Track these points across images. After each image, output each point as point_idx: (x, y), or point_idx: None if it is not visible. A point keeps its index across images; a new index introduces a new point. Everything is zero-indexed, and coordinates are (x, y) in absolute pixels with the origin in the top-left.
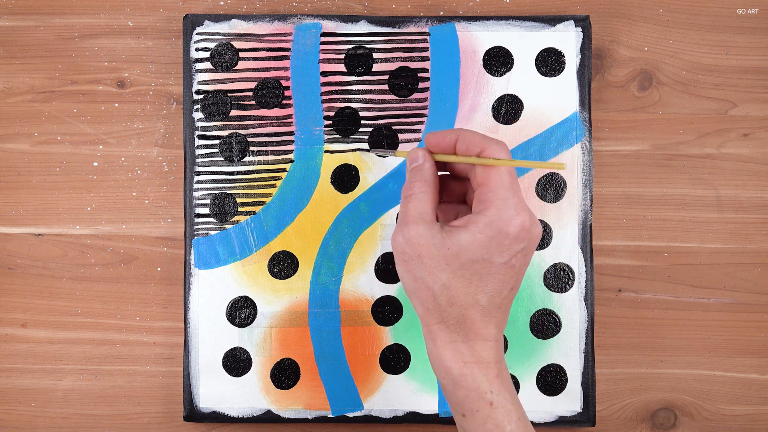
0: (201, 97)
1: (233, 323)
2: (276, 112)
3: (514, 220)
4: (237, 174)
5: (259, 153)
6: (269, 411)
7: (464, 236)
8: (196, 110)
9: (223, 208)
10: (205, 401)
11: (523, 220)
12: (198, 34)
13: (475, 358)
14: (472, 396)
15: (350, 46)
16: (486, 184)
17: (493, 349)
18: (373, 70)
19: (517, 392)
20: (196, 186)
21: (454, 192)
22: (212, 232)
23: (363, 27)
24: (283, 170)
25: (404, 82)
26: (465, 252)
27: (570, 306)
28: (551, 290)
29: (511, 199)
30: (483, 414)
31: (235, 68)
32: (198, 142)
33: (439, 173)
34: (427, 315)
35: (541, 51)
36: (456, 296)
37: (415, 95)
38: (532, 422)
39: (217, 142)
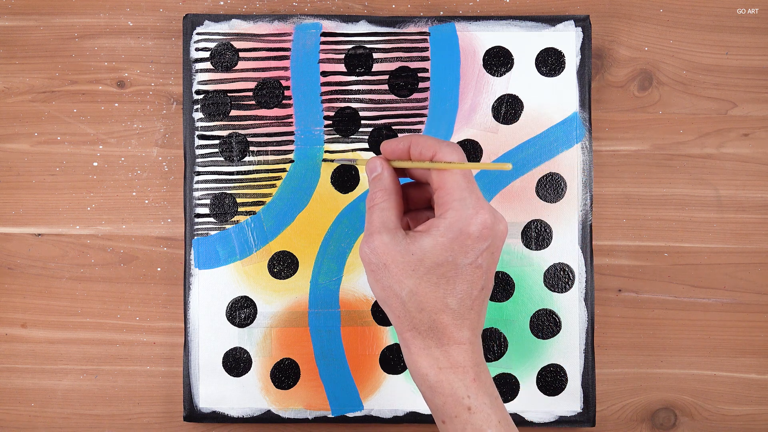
0: (201, 97)
1: (233, 323)
2: (276, 112)
3: (473, 219)
4: (237, 174)
5: (259, 153)
6: (269, 411)
7: (427, 241)
8: (196, 110)
9: (223, 208)
10: (205, 401)
11: (484, 218)
12: (198, 34)
13: (451, 363)
14: (449, 402)
15: (350, 46)
16: (442, 187)
17: (468, 353)
18: (373, 70)
19: (517, 393)
20: (196, 186)
21: (420, 199)
22: (212, 232)
23: (363, 27)
24: (283, 170)
25: (404, 82)
26: (429, 256)
27: (570, 306)
28: (551, 290)
29: (468, 199)
30: (462, 419)
31: (235, 68)
32: (198, 142)
33: (404, 181)
34: (398, 323)
35: (541, 51)
36: (425, 302)
37: (415, 95)
38: (532, 423)
39: (217, 142)
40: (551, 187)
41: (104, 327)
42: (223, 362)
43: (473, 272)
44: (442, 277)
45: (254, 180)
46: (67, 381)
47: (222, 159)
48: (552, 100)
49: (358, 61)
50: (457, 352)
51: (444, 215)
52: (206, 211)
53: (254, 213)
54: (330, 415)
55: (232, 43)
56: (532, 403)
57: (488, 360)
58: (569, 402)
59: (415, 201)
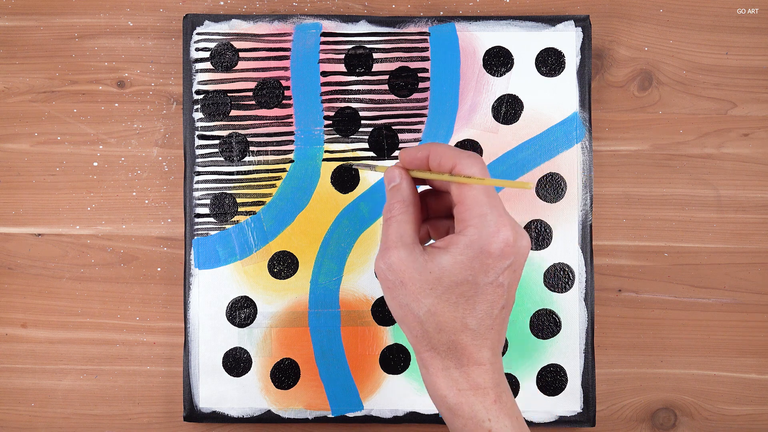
0: (201, 97)
1: (233, 323)
2: (276, 112)
3: (495, 238)
4: (237, 174)
5: (259, 153)
6: (269, 411)
7: (446, 259)
8: (196, 110)
9: (223, 208)
10: (205, 401)
11: (506, 236)
12: (198, 34)
13: (470, 384)
14: (469, 425)
15: (350, 46)
16: (462, 202)
17: (489, 374)
18: (373, 70)
19: (517, 393)
20: (196, 186)
21: (440, 207)
22: (212, 232)
23: (363, 27)
24: (283, 170)
25: (404, 82)
26: (448, 275)
27: (570, 306)
28: (551, 290)
29: (489, 216)
30: None
31: (235, 68)
32: (198, 142)
33: (423, 188)
34: (416, 343)
35: (541, 51)
36: (443, 322)
37: (415, 95)
38: (531, 422)
39: (217, 142)
40: (551, 187)
41: (104, 327)
42: (223, 362)
43: (494, 291)
44: (461, 297)
45: (254, 180)
46: (67, 381)
47: (222, 159)
48: (552, 100)
49: (358, 61)
50: (477, 373)
51: (464, 232)
52: (206, 211)
53: (254, 213)
54: (330, 415)
55: (232, 43)
56: (532, 403)
57: None
58: (569, 402)
59: (435, 209)
